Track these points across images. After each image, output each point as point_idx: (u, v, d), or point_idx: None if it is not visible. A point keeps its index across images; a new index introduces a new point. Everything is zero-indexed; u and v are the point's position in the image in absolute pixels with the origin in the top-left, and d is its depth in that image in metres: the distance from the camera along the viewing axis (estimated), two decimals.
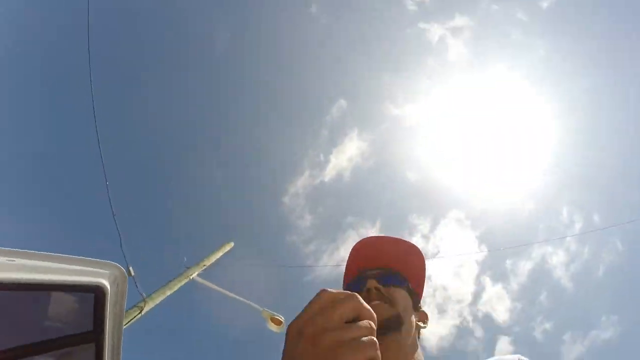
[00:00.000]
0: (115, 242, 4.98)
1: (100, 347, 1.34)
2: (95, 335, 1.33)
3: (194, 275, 6.24)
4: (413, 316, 0.81)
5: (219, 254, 7.09)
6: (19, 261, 1.05)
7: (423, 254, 0.88)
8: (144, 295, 5.09)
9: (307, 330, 0.43)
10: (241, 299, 6.60)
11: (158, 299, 5.33)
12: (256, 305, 6.27)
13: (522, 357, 0.71)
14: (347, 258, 0.91)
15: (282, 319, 6.05)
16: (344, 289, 0.78)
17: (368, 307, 0.46)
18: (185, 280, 6.02)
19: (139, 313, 4.81)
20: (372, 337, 0.43)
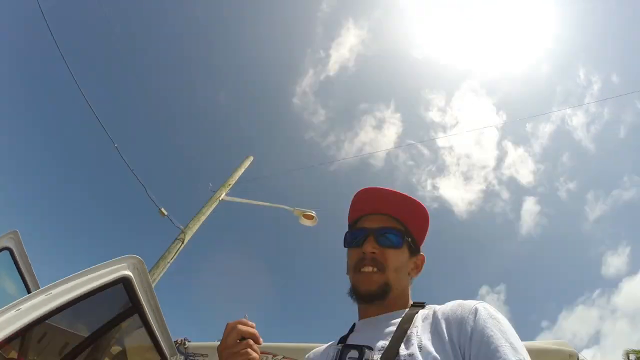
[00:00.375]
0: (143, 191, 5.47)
1: (142, 313, 1.79)
2: (135, 308, 1.78)
3: (223, 195, 6.74)
4: (406, 268, 0.94)
5: (241, 170, 7.47)
6: (55, 291, 1.37)
7: (423, 205, 0.98)
8: (181, 227, 5.71)
9: (219, 348, 0.82)
10: (272, 204, 7.14)
11: (195, 227, 5.97)
12: (287, 207, 6.77)
13: (483, 303, 0.78)
14: (354, 195, 1.00)
15: (313, 213, 6.49)
16: (347, 235, 0.99)
17: (250, 329, 0.82)
18: (216, 203, 6.57)
19: (181, 244, 5.50)
20: (252, 350, 0.81)
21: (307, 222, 6.54)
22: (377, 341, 0.81)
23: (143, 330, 1.87)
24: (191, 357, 2.36)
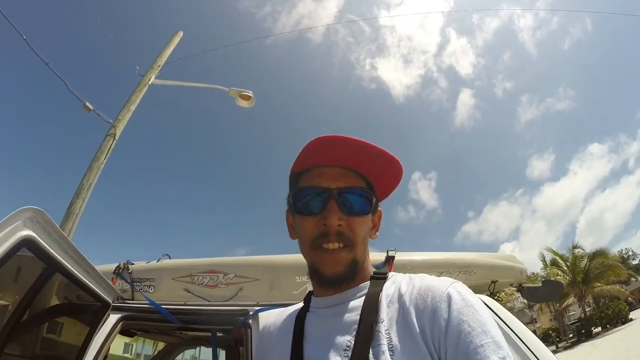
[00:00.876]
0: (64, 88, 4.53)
1: (64, 269, 1.51)
2: (52, 267, 1.49)
3: (152, 79, 5.92)
4: (369, 233, 0.78)
5: (170, 48, 6.49)
6: None
7: (397, 159, 0.75)
8: (111, 121, 5.02)
9: None
10: (206, 85, 6.54)
11: (125, 118, 5.30)
12: (222, 87, 6.27)
13: (455, 285, 0.68)
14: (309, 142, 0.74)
15: (250, 93, 6.11)
16: (295, 194, 0.76)
17: None
18: (145, 88, 5.80)
19: (113, 141, 4.91)
20: None
21: (244, 103, 6.20)
22: (340, 335, 0.69)
23: (71, 285, 1.61)
24: (137, 283, 2.18)
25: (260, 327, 0.84)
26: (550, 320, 36.58)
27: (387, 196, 0.83)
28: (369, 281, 0.76)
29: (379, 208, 0.82)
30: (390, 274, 0.77)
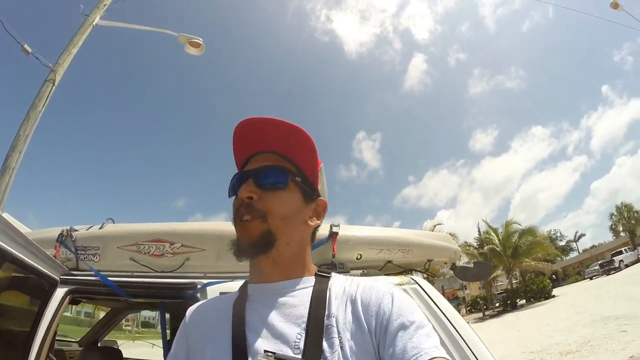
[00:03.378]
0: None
1: (13, 258, 1.49)
2: (2, 258, 1.45)
3: (97, 19, 5.43)
4: (301, 216, 0.78)
5: None
6: None
7: (311, 138, 0.79)
8: (50, 65, 4.57)
9: None
10: (155, 29, 6.16)
11: (66, 62, 4.87)
12: (171, 32, 5.95)
13: (394, 288, 0.74)
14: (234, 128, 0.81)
15: (200, 41, 5.88)
16: (234, 178, 0.80)
17: None
18: (89, 29, 5.32)
19: (53, 86, 4.51)
20: None
21: (193, 51, 5.94)
22: (288, 327, 0.69)
23: (20, 269, 1.58)
24: (81, 252, 2.09)
25: (188, 322, 0.81)
26: (480, 288, 39.63)
27: (314, 176, 0.82)
28: (312, 276, 0.78)
29: (320, 198, 0.82)
30: (333, 274, 0.80)
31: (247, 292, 0.78)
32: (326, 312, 0.69)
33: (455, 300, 40.58)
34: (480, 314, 29.05)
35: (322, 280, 0.76)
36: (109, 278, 1.87)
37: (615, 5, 8.14)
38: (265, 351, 0.63)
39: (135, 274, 2.00)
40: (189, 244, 2.01)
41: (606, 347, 7.50)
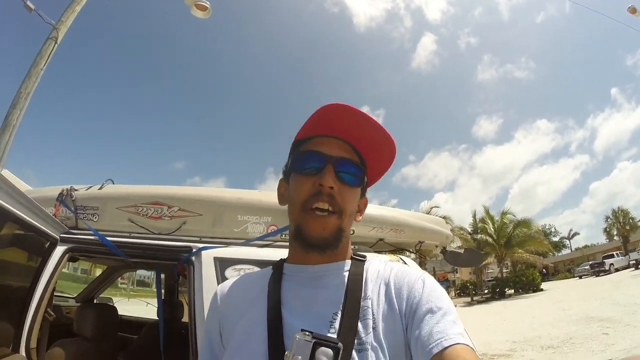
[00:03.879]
0: None
1: (14, 216, 1.53)
2: (4, 216, 1.49)
3: None
4: (354, 214, 0.80)
5: None
6: None
7: (394, 153, 0.79)
8: (53, 22, 4.49)
9: None
10: None
11: (69, 20, 4.78)
12: None
13: (426, 273, 0.76)
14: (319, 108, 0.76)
15: (207, 4, 5.71)
16: (297, 156, 0.78)
17: None
18: None
19: (55, 44, 4.44)
20: None
21: (199, 14, 5.75)
22: (324, 308, 0.70)
23: (21, 227, 1.63)
24: (80, 212, 2.13)
25: (219, 298, 0.80)
26: (470, 273, 40.33)
27: (374, 181, 0.84)
28: (349, 260, 0.79)
29: (365, 195, 0.84)
30: (368, 257, 0.81)
31: (283, 271, 0.79)
32: (362, 295, 0.71)
33: (445, 282, 41.19)
34: (469, 299, 29.59)
35: (358, 264, 0.78)
36: (107, 238, 1.92)
37: (633, 10, 7.91)
38: (302, 330, 0.61)
39: (132, 234, 2.06)
40: (187, 208, 2.05)
41: (587, 347, 7.63)
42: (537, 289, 25.57)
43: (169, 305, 3.28)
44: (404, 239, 2.23)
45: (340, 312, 0.68)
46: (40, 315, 1.69)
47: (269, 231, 1.99)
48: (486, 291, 31.23)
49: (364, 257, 0.80)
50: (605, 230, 44.04)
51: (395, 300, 0.70)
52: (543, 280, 28.82)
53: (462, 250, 2.61)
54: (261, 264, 1.63)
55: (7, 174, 2.27)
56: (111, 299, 4.36)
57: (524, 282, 26.27)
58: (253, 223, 2.01)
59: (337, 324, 0.66)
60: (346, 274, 0.75)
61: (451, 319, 0.64)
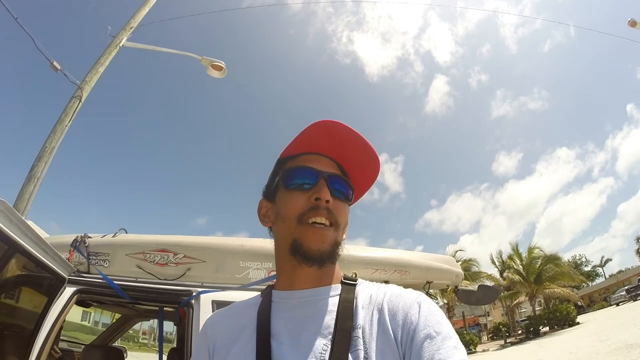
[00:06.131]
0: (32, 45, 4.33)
1: (23, 250, 1.63)
2: (13, 249, 1.59)
3: (123, 41, 5.73)
4: (346, 225, 0.80)
5: (145, 10, 6.25)
6: None
7: (379, 168, 0.81)
8: (78, 82, 4.85)
9: None
10: (179, 52, 6.41)
11: (93, 80, 5.14)
12: (195, 55, 6.16)
13: (423, 295, 0.72)
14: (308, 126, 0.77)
15: (222, 64, 6.06)
16: (289, 172, 0.77)
17: None
18: (116, 50, 5.62)
19: (79, 103, 4.77)
20: None
21: (215, 74, 6.11)
22: (314, 339, 0.67)
23: (31, 263, 1.73)
24: (93, 257, 2.22)
25: (210, 326, 0.80)
26: (502, 315, 38.27)
27: (357, 198, 0.84)
28: (339, 284, 0.76)
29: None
30: (359, 281, 0.79)
31: (272, 299, 0.77)
32: (353, 323, 0.68)
33: (477, 327, 39.01)
34: (502, 341, 27.85)
35: (348, 289, 0.75)
36: (114, 282, 1.99)
37: (633, 23, 7.99)
38: None
39: (139, 279, 2.11)
40: (191, 255, 2.10)
41: None
42: (572, 323, 24.01)
43: (178, 354, 3.24)
44: (410, 280, 2.19)
45: (330, 344, 0.65)
46: (46, 352, 1.73)
47: (270, 276, 2.00)
48: (520, 332, 29.43)
49: (355, 280, 0.78)
50: (637, 251, 41.62)
51: (390, 327, 0.66)
52: (579, 313, 27.05)
53: (475, 288, 2.52)
54: None
55: (30, 223, 2.39)
56: (125, 348, 4.33)
57: (559, 318, 24.72)
58: (255, 269, 2.03)
59: (327, 356, 0.64)
60: (335, 299, 0.72)
61: (452, 344, 0.61)
